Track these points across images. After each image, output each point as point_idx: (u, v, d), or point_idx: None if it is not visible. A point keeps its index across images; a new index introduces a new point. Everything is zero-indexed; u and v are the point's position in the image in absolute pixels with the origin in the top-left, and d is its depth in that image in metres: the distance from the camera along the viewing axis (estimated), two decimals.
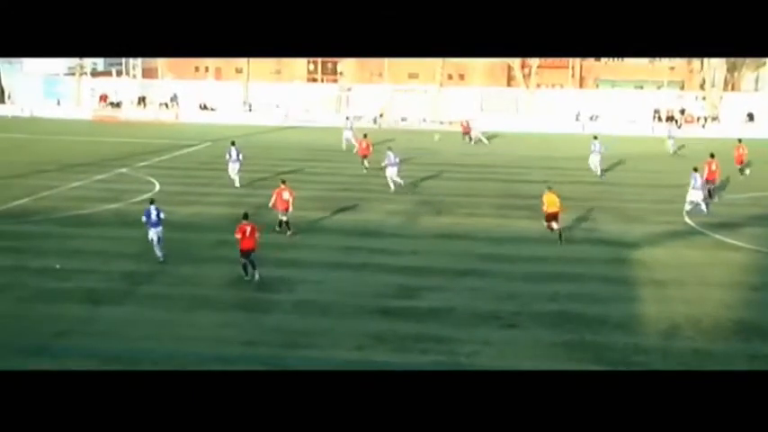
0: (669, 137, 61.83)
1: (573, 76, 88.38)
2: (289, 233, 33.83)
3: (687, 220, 37.55)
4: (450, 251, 31.82)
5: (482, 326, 23.60)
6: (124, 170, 50.03)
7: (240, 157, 45.09)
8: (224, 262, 29.56)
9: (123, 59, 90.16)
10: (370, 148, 51.34)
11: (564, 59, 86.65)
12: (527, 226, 36.18)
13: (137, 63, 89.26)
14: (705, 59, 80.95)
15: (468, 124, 69.63)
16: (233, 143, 45.97)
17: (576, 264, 30.20)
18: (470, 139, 68.09)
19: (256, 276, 27.63)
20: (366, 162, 50.31)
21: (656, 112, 78.34)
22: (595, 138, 51.67)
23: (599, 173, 49.72)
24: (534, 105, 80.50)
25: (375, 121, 74.95)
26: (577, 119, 78.07)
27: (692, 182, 38.67)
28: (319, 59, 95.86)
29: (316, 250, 31.72)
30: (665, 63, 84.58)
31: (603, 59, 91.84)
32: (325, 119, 79.47)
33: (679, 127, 71.85)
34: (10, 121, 78.53)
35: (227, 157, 45.45)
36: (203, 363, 20.57)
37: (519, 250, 32.05)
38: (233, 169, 44.93)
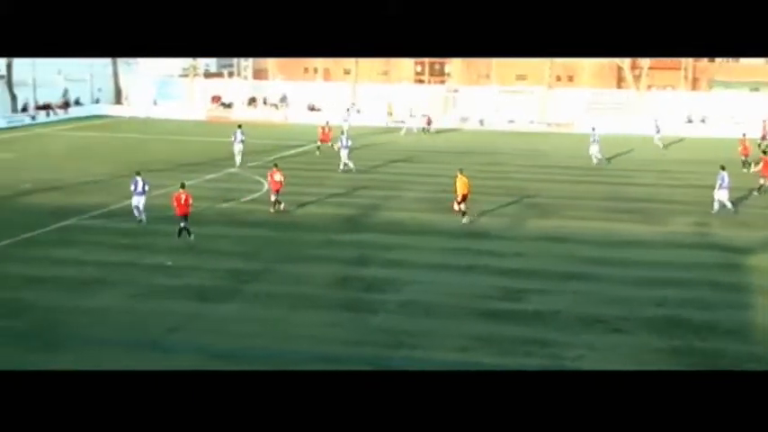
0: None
1: (686, 77, 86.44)
2: (281, 207, 38.02)
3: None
4: (555, 254, 31.46)
5: (587, 330, 23.24)
6: (234, 170, 50.84)
7: (243, 138, 52.42)
8: (331, 262, 29.79)
9: (235, 60, 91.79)
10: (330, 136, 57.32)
11: (676, 61, 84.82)
12: (634, 229, 35.54)
13: (248, 64, 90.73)
14: None
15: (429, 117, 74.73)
16: (239, 126, 53.95)
17: (686, 269, 29.51)
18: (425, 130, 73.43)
19: (191, 237, 32.28)
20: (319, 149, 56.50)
21: None
22: (593, 129, 57.29)
23: (595, 161, 54.61)
24: (644, 107, 79.06)
25: (424, 129, 74.42)
26: (689, 121, 76.37)
27: (719, 181, 38.46)
28: (426, 60, 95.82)
29: (422, 251, 31.71)
30: None
31: (718, 60, 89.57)
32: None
33: None
34: (126, 122, 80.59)
35: (233, 138, 52.67)
36: (307, 362, 20.72)
37: (626, 254, 31.49)
38: (237, 150, 52.02)
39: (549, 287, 27.19)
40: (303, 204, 40.41)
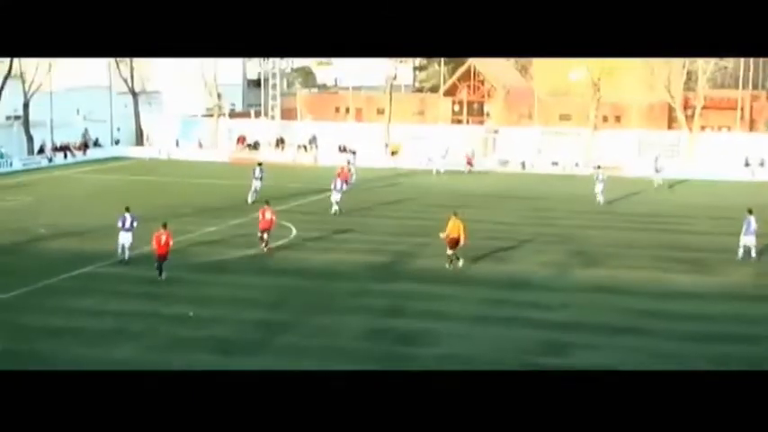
0: None
1: (742, 118, 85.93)
2: (265, 248, 39.44)
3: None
4: (603, 305, 31.14)
5: None
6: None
7: (261, 176, 56.82)
8: (362, 312, 29.68)
9: (262, 100, 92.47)
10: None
11: (732, 100, 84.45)
12: (691, 281, 35.17)
13: (276, 104, 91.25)
14: None
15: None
16: (259, 164, 59.47)
17: (749, 324, 29.09)
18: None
19: (163, 276, 33.73)
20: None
21: None
22: (599, 167, 62.94)
23: (601, 200, 57.59)
24: (698, 149, 78.65)
25: (467, 170, 75.58)
26: (747, 164, 75.84)
27: (745, 226, 38.63)
28: (464, 99, 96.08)
29: (461, 302, 31.52)
30: None
31: None
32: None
33: None
34: (147, 164, 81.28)
35: (253, 174, 56.83)
36: None
37: (682, 307, 31.12)
38: (254, 188, 55.59)
39: (598, 341, 26.89)
40: (332, 250, 40.43)
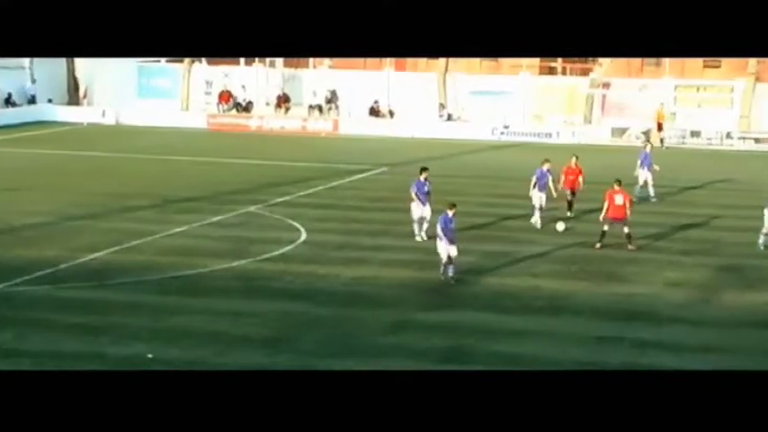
0: None
1: None
2: None
3: None
4: (767, 348, 31.06)
5: None
6: (253, 208, 51.23)
7: None
8: (407, 356, 29.60)
9: None
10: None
11: None
12: None
13: None
14: None
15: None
16: None
17: None
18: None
19: None
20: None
21: None
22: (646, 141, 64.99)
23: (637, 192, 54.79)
24: None
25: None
26: None
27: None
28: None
29: (551, 341, 31.45)
30: None
31: None
32: (564, 132, 79.58)
33: None
34: (87, 132, 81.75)
35: None
36: None
37: None
38: None
39: None
40: (360, 263, 40.60)
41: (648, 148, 56.67)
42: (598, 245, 42.88)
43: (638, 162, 54.74)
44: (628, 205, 43.02)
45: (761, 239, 43.87)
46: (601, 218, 43.21)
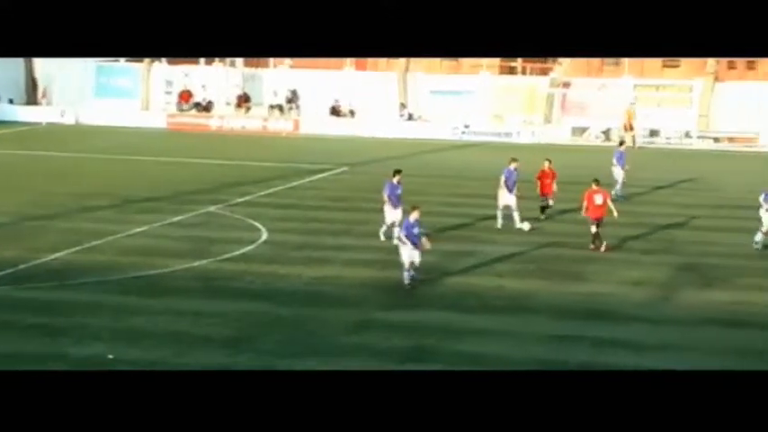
0: None
1: None
2: None
3: None
4: (726, 347, 31.10)
5: None
6: (214, 208, 51.20)
7: None
8: (369, 356, 29.61)
9: None
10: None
11: None
12: None
13: None
14: None
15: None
16: None
17: None
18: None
19: None
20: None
21: None
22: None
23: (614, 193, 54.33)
24: None
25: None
26: None
27: (764, 203, 42.61)
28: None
29: (513, 340, 31.54)
30: None
31: None
32: (525, 131, 79.75)
33: None
34: (45, 132, 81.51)
35: None
36: None
37: None
38: None
39: None
40: (322, 262, 40.61)
41: (623, 148, 57.14)
42: (591, 246, 42.97)
43: (614, 161, 55.20)
44: (608, 204, 43.33)
45: (758, 237, 43.68)
46: (586, 217, 43.69)
